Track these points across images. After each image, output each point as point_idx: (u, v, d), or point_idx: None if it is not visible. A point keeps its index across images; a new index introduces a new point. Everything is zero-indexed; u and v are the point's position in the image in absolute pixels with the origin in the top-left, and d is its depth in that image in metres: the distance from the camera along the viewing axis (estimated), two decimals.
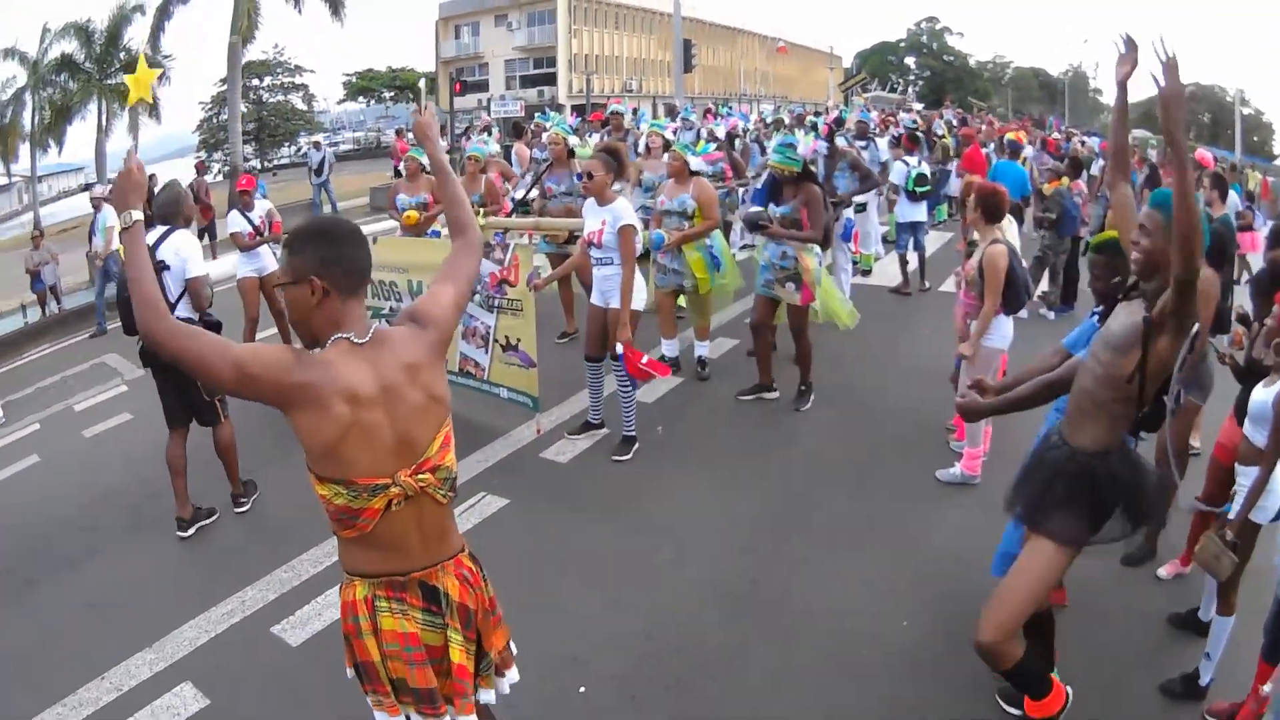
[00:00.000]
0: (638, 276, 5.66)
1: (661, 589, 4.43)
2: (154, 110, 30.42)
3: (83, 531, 5.88)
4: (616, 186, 6.42)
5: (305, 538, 5.06)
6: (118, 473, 6.84)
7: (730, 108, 20.55)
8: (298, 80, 48.68)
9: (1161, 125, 2.47)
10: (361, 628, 2.24)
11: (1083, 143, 16.20)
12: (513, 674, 2.53)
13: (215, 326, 5.51)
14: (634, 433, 5.98)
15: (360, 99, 58.47)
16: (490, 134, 14.57)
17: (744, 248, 9.97)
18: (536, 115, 14.11)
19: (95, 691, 4.07)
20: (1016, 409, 3.32)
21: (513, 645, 2.53)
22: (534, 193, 8.44)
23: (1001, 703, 3.38)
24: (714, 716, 3.53)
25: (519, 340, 6.13)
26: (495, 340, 6.30)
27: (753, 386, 6.91)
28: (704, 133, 12.40)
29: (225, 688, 4.01)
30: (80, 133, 30.43)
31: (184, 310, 5.36)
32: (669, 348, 7.35)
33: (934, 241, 10.90)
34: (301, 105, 48.92)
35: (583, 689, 3.71)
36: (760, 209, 6.36)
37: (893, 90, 74.19)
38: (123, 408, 8.48)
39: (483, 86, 52.45)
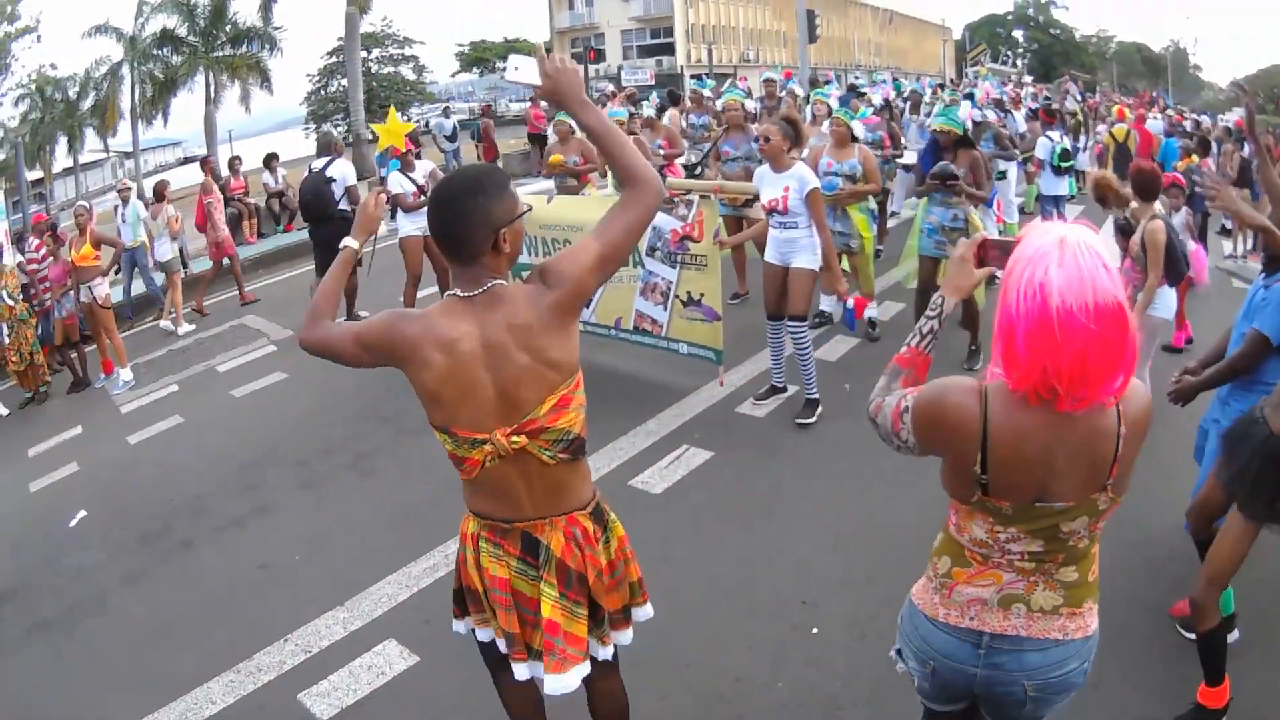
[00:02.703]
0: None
1: (876, 534, 4.55)
2: (265, 81, 31.38)
3: (245, 490, 5.93)
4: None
5: None
6: (279, 431, 6.90)
7: (884, 79, 20.63)
8: (407, 52, 49.57)
9: None
10: (468, 559, 2.48)
11: (1198, 124, 15.65)
12: (626, 635, 2.63)
13: (348, 221, 7.14)
14: (816, 394, 6.11)
15: (474, 69, 59.20)
16: (645, 101, 14.51)
17: (891, 214, 11.11)
18: (693, 83, 14.34)
19: (277, 655, 4.02)
20: (1215, 385, 3.75)
21: (638, 610, 2.64)
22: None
23: (1180, 630, 3.68)
24: None
25: (702, 295, 6.28)
26: (676, 296, 6.40)
27: None
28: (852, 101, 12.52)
29: (435, 644, 3.86)
30: (184, 105, 31.37)
31: (345, 205, 8.67)
32: (827, 304, 7.93)
33: (1069, 214, 11.26)
34: (411, 76, 49.73)
35: (815, 630, 3.87)
36: (948, 164, 6.64)
37: (1003, 63, 74.89)
38: (274, 367, 8.57)
39: (600, 57, 53.03)
